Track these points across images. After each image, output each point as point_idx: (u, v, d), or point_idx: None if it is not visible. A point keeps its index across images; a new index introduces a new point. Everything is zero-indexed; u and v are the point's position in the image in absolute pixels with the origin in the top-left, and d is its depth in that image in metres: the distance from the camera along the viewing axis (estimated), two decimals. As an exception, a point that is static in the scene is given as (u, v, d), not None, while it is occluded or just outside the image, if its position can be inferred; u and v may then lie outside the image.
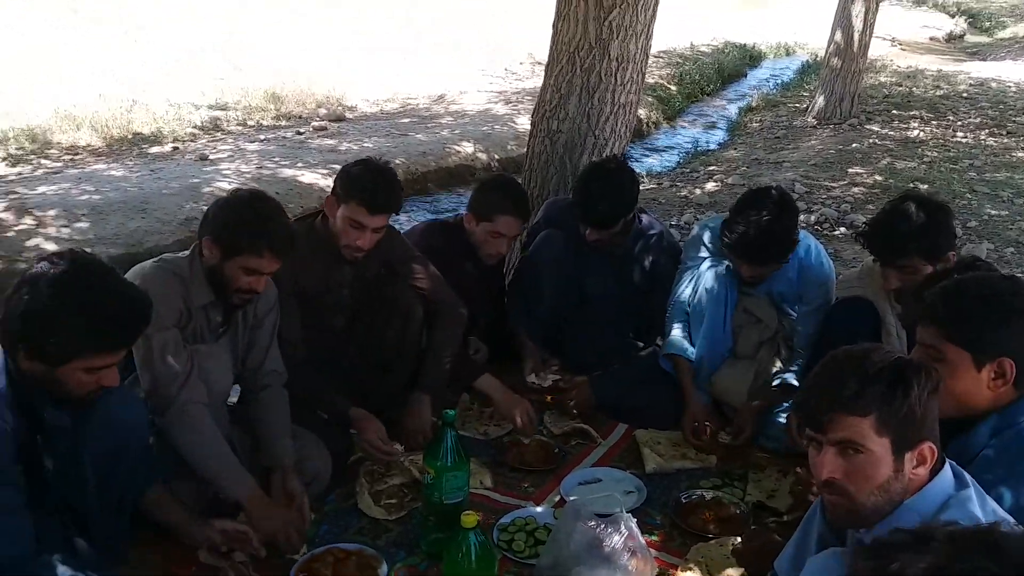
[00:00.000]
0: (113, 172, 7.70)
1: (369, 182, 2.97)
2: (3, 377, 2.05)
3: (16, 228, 5.85)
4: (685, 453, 3.25)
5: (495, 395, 3.32)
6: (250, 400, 2.88)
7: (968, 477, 1.77)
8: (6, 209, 6.05)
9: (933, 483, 1.73)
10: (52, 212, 6.17)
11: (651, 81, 11.72)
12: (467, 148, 9.18)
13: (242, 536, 2.39)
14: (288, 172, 7.87)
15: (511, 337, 3.74)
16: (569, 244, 3.62)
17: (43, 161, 8.07)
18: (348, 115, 10.67)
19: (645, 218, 3.71)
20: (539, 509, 2.90)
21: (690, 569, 2.60)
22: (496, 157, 9.24)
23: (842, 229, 6.48)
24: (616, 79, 4.02)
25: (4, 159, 7.93)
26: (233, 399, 2.99)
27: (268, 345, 2.86)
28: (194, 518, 2.42)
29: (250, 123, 10.18)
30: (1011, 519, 1.71)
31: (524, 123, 9.97)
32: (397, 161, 8.48)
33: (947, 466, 1.76)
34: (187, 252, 2.72)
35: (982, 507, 1.72)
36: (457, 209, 7.81)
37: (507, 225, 3.48)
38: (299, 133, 9.63)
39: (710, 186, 7.91)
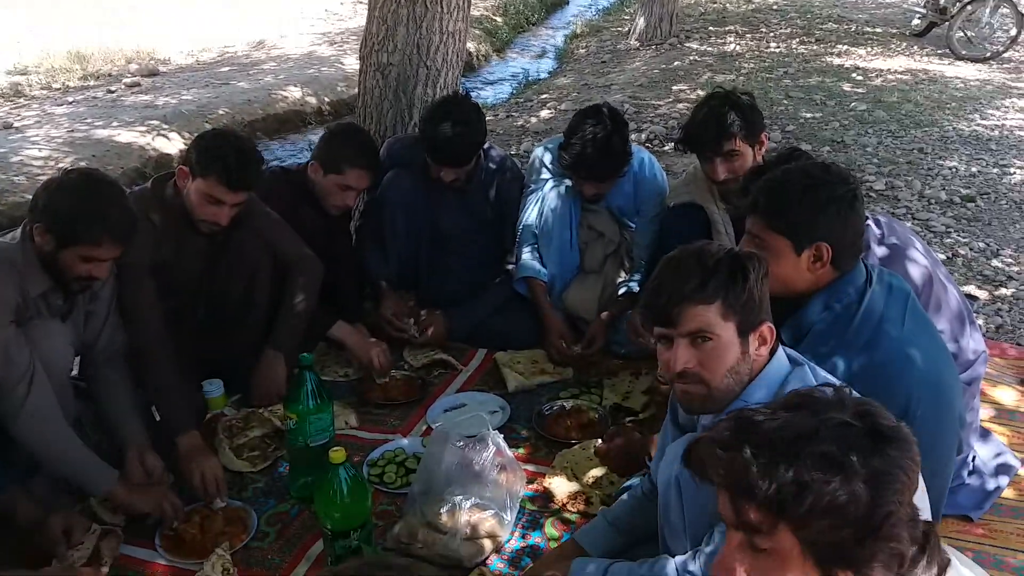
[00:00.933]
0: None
1: (229, 157, 2.79)
2: None
3: None
4: (543, 368, 3.35)
5: (348, 340, 3.28)
6: (91, 377, 2.72)
7: (800, 357, 1.91)
8: None
9: (772, 363, 1.85)
10: None
11: (476, 14, 11.66)
12: (295, 93, 8.88)
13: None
14: (103, 133, 7.39)
15: (365, 281, 3.68)
16: (417, 183, 3.56)
17: None
18: (162, 68, 10.08)
19: (493, 151, 3.70)
20: (406, 441, 2.92)
21: (557, 475, 2.69)
22: (326, 100, 8.99)
23: (671, 145, 6.71)
24: (442, 6, 3.96)
25: None
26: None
27: (106, 317, 2.70)
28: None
29: (55, 86, 9.46)
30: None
31: (352, 64, 9.72)
32: (220, 111, 8.13)
33: (780, 348, 1.89)
34: (16, 235, 2.49)
35: (816, 380, 1.86)
36: (291, 158, 7.63)
37: (357, 178, 3.37)
38: (110, 91, 9.03)
39: (544, 113, 8.00)
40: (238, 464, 2.79)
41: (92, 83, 9.51)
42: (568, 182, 3.43)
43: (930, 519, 1.42)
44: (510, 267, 3.62)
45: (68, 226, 2.37)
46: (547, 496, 2.63)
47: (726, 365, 1.81)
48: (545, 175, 3.55)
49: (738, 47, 10.54)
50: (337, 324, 3.28)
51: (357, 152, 3.36)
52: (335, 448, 2.14)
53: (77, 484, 2.48)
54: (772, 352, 1.86)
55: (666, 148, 6.66)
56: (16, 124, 7.79)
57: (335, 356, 3.44)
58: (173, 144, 7.38)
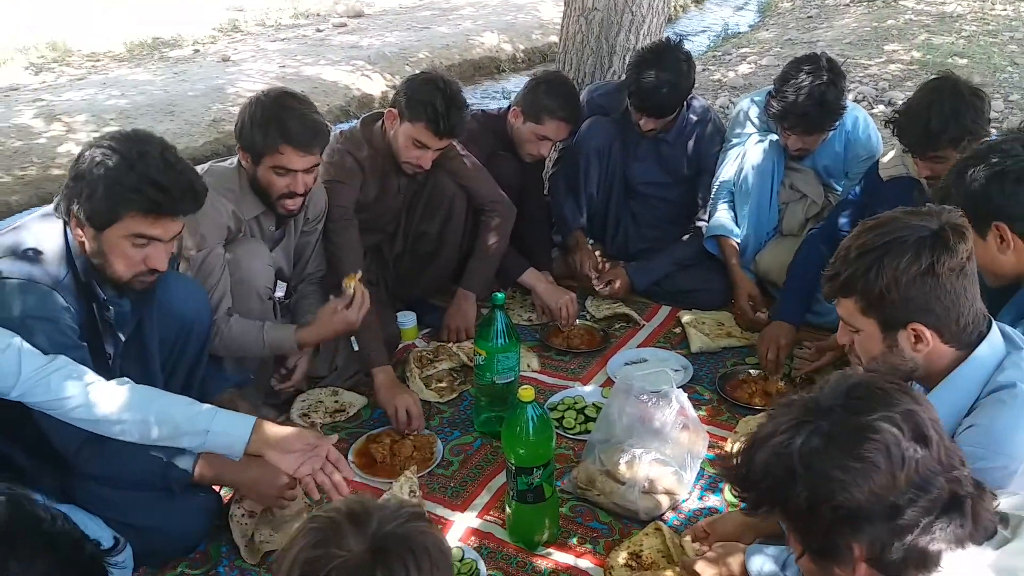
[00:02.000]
0: (137, 76, 7.64)
1: (438, 104, 2.84)
2: (64, 267, 2.07)
3: (47, 134, 5.84)
4: (730, 332, 3.26)
5: (538, 287, 3.32)
6: (292, 295, 2.93)
7: (1020, 337, 1.78)
8: (36, 116, 6.03)
9: (980, 348, 1.75)
10: (81, 118, 6.15)
11: (678, -38, 11.30)
12: (491, 39, 8.97)
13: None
14: (311, 70, 7.76)
15: (556, 228, 3.70)
16: (614, 131, 3.51)
17: (65, 69, 8.01)
18: (367, 11, 10.44)
19: (696, 101, 3.57)
20: (587, 388, 2.94)
21: (740, 442, 2.62)
22: (521, 47, 9.04)
23: (881, 107, 6.32)
24: (651, -49, 3.87)
25: (27, 68, 7.88)
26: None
27: (314, 246, 2.89)
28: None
29: (268, 23, 10.00)
30: None
31: (548, 11, 9.70)
32: (421, 55, 8.34)
33: (995, 328, 1.77)
34: (233, 161, 2.67)
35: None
36: (483, 104, 7.73)
37: (556, 129, 3.36)
38: (319, 31, 9.45)
39: (743, 68, 7.70)
40: (427, 394, 2.90)
41: (302, 21, 9.99)
42: (774, 137, 3.29)
43: None
44: (701, 224, 3.53)
45: (253, 140, 2.51)
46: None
47: (871, 354, 1.80)
48: (749, 129, 3.42)
49: (959, 7, 9.72)
50: (528, 271, 3.32)
51: (559, 103, 3.34)
52: (524, 387, 2.18)
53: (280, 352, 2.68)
54: (974, 346, 1.75)
55: (875, 111, 6.26)
56: (233, 57, 8.31)
57: (519, 300, 3.50)
58: (375, 85, 7.66)
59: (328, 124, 2.64)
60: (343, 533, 1.16)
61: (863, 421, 1.25)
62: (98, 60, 8.36)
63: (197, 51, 8.72)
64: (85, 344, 2.11)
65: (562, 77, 3.67)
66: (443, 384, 2.96)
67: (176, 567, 2.22)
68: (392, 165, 3.02)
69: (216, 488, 2.36)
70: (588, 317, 3.41)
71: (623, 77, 3.60)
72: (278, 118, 2.49)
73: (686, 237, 3.62)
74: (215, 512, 2.31)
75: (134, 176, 1.98)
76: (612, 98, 3.54)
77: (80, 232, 2.05)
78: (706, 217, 3.51)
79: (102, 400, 1.97)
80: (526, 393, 2.15)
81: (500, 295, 2.62)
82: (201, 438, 2.03)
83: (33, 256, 2.04)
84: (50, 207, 2.15)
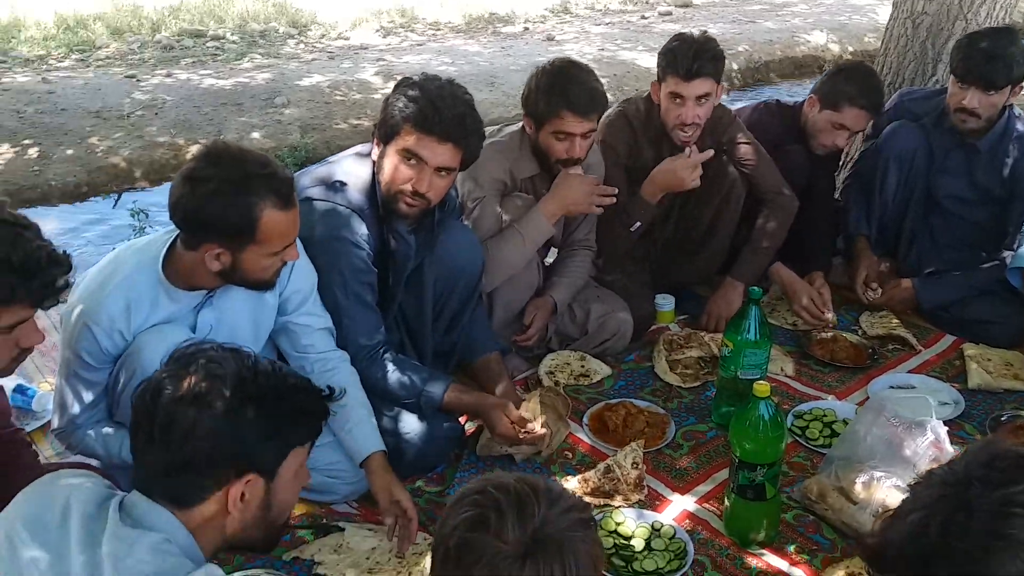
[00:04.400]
0: (468, 47, 8.23)
1: (687, 49, 2.90)
2: (366, 199, 2.36)
3: (382, 91, 6.49)
4: (1017, 374, 2.95)
5: (784, 277, 3.22)
6: (557, 257, 3.09)
7: None
8: (376, 73, 6.73)
9: None
10: (413, 79, 6.77)
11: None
12: (818, 38, 8.61)
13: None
14: (627, 55, 7.92)
15: (842, 236, 3.54)
16: (922, 139, 3.28)
17: (410, 34, 8.80)
18: (695, 0, 10.41)
19: (1018, 110, 3.25)
20: (841, 404, 2.81)
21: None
22: (850, 49, 8.59)
23: None
24: (1001, -45, 3.55)
25: (377, 31, 8.76)
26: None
27: (584, 217, 3.00)
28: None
29: (598, 7, 10.30)
30: None
31: (886, 14, 9.13)
32: (740, 48, 8.20)
33: None
34: (518, 127, 2.87)
35: None
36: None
37: (854, 118, 3.22)
38: (643, 17, 9.59)
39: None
40: (670, 376, 2.93)
41: (630, 7, 10.18)
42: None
43: None
44: (1007, 254, 3.20)
45: (536, 105, 2.66)
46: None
47: None
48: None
49: None
50: (776, 264, 3.24)
51: (860, 91, 3.18)
52: (760, 382, 2.15)
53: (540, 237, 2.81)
54: None
55: None
56: (557, 37, 8.67)
57: (788, 303, 3.39)
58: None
59: (606, 93, 2.75)
60: (504, 519, 1.17)
61: (1006, 494, 1.12)
62: (439, 29, 9.10)
63: (526, 28, 9.20)
64: (376, 270, 2.40)
65: (865, 66, 3.49)
66: (688, 371, 2.97)
67: (415, 481, 2.46)
68: (661, 137, 3.07)
69: (462, 421, 2.58)
70: (859, 332, 3.23)
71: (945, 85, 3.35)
72: (560, 85, 2.62)
73: (987, 265, 3.31)
74: (457, 441, 2.53)
75: (417, 92, 2.23)
76: (924, 104, 3.31)
77: (375, 150, 2.33)
78: (1014, 246, 3.18)
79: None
80: (762, 388, 2.12)
81: (758, 289, 2.58)
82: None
83: (339, 187, 2.35)
84: (363, 146, 2.45)
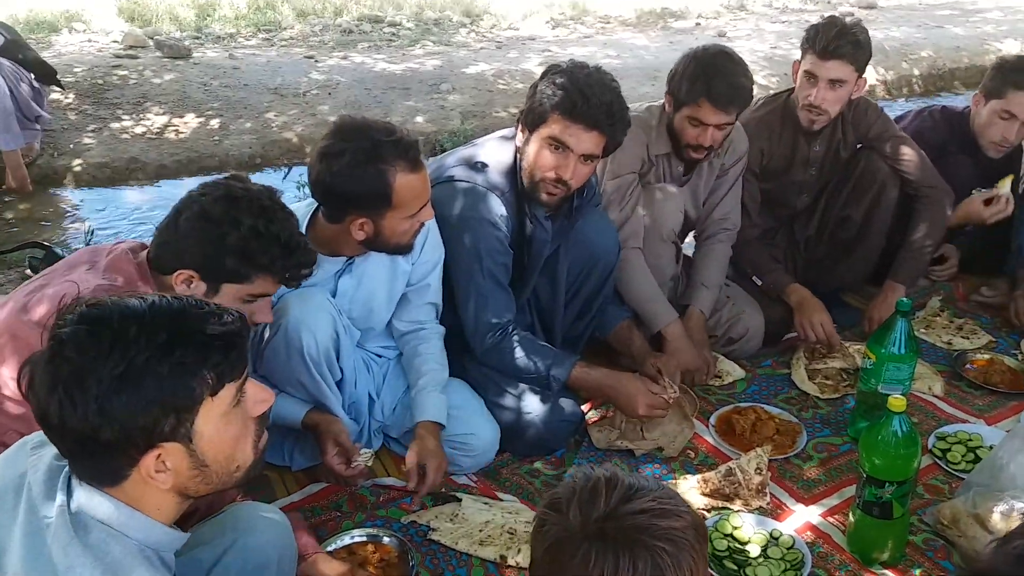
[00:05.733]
0: (635, 41, 8.17)
1: (829, 28, 2.82)
2: (507, 182, 2.41)
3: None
4: None
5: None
6: (697, 246, 3.02)
7: None
8: (539, 64, 6.79)
9: None
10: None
11: None
12: (1011, 47, 8.02)
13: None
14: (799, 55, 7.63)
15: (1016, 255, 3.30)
16: None
17: (579, 27, 8.82)
18: (880, 3, 9.93)
19: None
20: (989, 429, 2.64)
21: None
22: (1048, 60, 7.95)
23: None
24: None
25: (547, 22, 8.83)
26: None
27: (725, 195, 2.93)
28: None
29: (776, 4, 10.00)
30: None
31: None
32: (923, 54, 7.76)
33: None
34: (658, 103, 2.85)
35: None
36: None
37: (1021, 104, 3.04)
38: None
39: None
40: (807, 385, 2.84)
41: (810, 7, 9.83)
42: None
43: None
44: None
45: (677, 88, 2.64)
46: None
47: None
48: None
49: None
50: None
51: None
52: (896, 396, 2.05)
53: (644, 315, 2.76)
54: None
55: None
56: (729, 33, 8.48)
57: (947, 317, 3.21)
58: (868, 76, 7.32)
59: (752, 89, 2.69)
60: (571, 504, 1.18)
61: None
62: (608, 22, 9.07)
63: (698, 24, 9.04)
64: (512, 252, 2.44)
65: None
66: (828, 381, 2.86)
67: (533, 462, 2.49)
68: (799, 133, 2.95)
69: (585, 408, 2.60)
70: (1019, 357, 3.02)
71: None
72: (706, 74, 2.58)
73: None
74: (577, 425, 2.54)
75: (565, 80, 2.25)
76: None
77: (520, 136, 2.37)
78: None
79: None
80: (897, 402, 2.02)
81: (907, 300, 2.45)
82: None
83: (481, 168, 2.41)
84: (508, 129, 2.50)
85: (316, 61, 6.96)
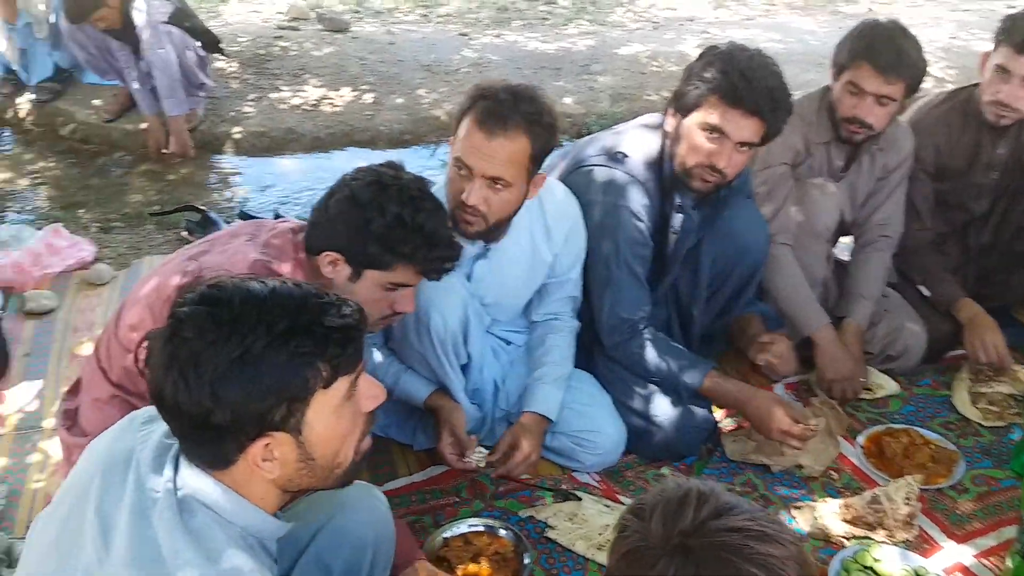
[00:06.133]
0: (801, 24, 7.79)
1: (1016, 18, 2.56)
2: (650, 171, 2.30)
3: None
4: None
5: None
6: (854, 253, 2.81)
7: None
8: (696, 46, 6.54)
9: None
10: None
11: None
12: None
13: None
14: (984, 46, 7.06)
15: None
16: None
17: (742, 8, 8.48)
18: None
19: None
20: None
21: None
22: None
23: None
24: None
25: (709, 2, 8.54)
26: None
27: (886, 199, 2.71)
28: None
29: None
30: None
31: None
32: None
33: None
34: (819, 89, 2.67)
35: None
36: None
37: None
38: (1011, 7, 8.53)
39: None
40: (969, 411, 2.61)
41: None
42: None
43: None
44: None
45: (841, 51, 2.49)
46: None
47: None
48: None
49: None
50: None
51: None
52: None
53: (792, 319, 2.61)
54: None
55: None
56: (903, 20, 7.95)
57: None
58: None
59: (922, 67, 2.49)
60: (653, 514, 1.05)
61: None
62: (773, 4, 8.67)
63: (870, 9, 8.53)
64: (651, 243, 2.34)
65: None
66: (993, 408, 2.61)
67: (660, 467, 2.39)
68: (983, 133, 2.70)
69: (718, 418, 2.47)
70: None
71: None
72: (870, 37, 2.44)
73: None
74: (708, 434, 2.41)
75: (725, 63, 2.14)
76: None
77: (670, 122, 2.26)
78: None
79: None
80: (1077, 442, 1.80)
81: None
82: None
83: (621, 158, 2.32)
84: (649, 117, 2.40)
85: (470, 39, 6.97)
